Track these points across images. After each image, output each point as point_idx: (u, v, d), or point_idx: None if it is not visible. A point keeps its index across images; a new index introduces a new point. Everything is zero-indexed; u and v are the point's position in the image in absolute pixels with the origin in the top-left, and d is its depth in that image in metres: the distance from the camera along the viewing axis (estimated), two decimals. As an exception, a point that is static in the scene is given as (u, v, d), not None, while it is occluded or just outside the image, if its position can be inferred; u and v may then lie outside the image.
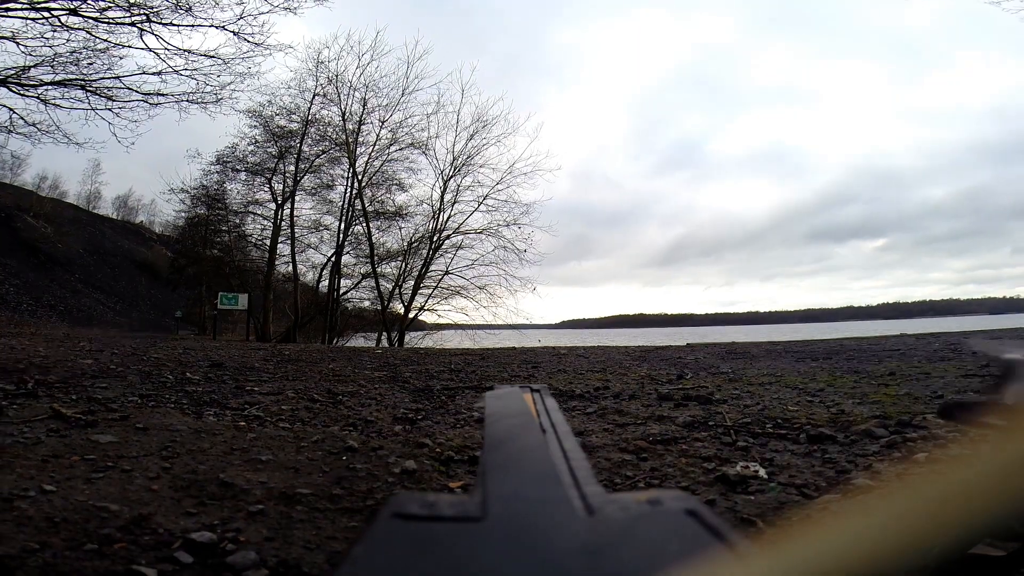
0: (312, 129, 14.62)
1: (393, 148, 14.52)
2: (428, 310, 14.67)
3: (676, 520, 0.25)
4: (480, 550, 0.24)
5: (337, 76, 13.98)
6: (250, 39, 7.52)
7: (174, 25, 6.88)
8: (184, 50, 7.17)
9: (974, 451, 0.20)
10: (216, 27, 7.11)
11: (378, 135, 14.47)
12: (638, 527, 0.25)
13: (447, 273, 14.12)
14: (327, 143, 14.89)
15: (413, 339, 14.60)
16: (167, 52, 7.04)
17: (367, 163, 14.72)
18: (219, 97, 7.85)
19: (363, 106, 14.26)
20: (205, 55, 7.36)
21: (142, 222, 41.25)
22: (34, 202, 29.16)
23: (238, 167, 15.53)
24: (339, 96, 14.23)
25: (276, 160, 15.04)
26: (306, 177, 15.30)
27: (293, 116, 14.56)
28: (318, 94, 14.23)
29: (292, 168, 15.03)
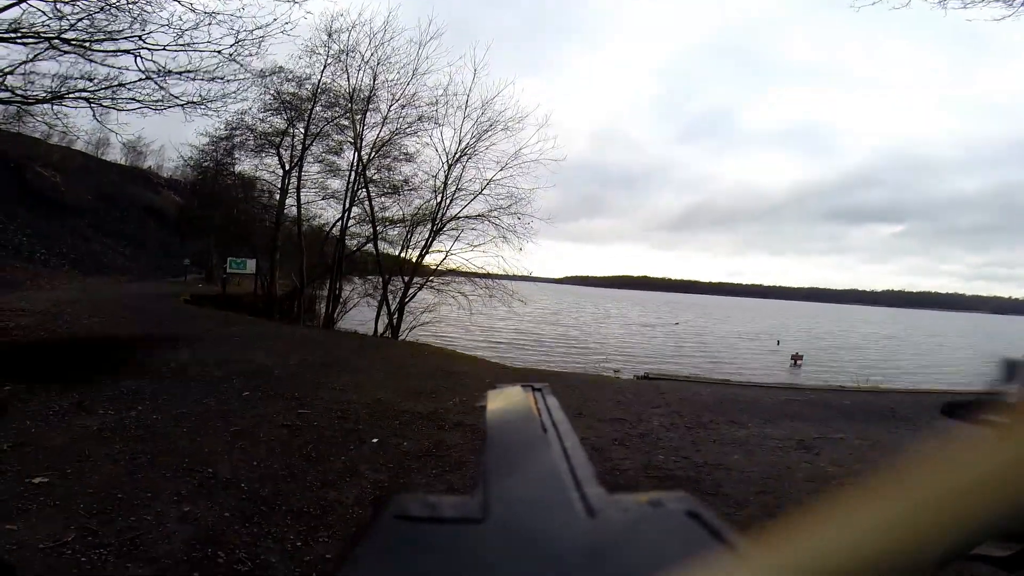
0: (323, 97, 14.58)
1: (401, 121, 14.47)
2: (432, 276, 14.97)
3: (677, 521, 0.25)
4: (481, 551, 0.24)
5: (347, 53, 13.84)
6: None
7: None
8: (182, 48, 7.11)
9: (976, 450, 0.20)
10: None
11: (389, 108, 14.41)
12: (639, 528, 0.25)
13: (448, 254, 14.31)
14: (337, 109, 14.87)
15: (415, 303, 14.90)
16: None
17: (377, 134, 14.73)
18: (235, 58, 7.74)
19: (373, 80, 14.16)
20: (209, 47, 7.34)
21: (150, 167, 41.18)
22: (43, 151, 29.14)
23: (247, 136, 15.61)
24: (347, 71, 14.13)
25: (286, 126, 15.09)
26: (314, 144, 15.37)
27: (304, 84, 14.51)
28: (329, 64, 14.11)
29: (300, 133, 15.08)
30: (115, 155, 39.59)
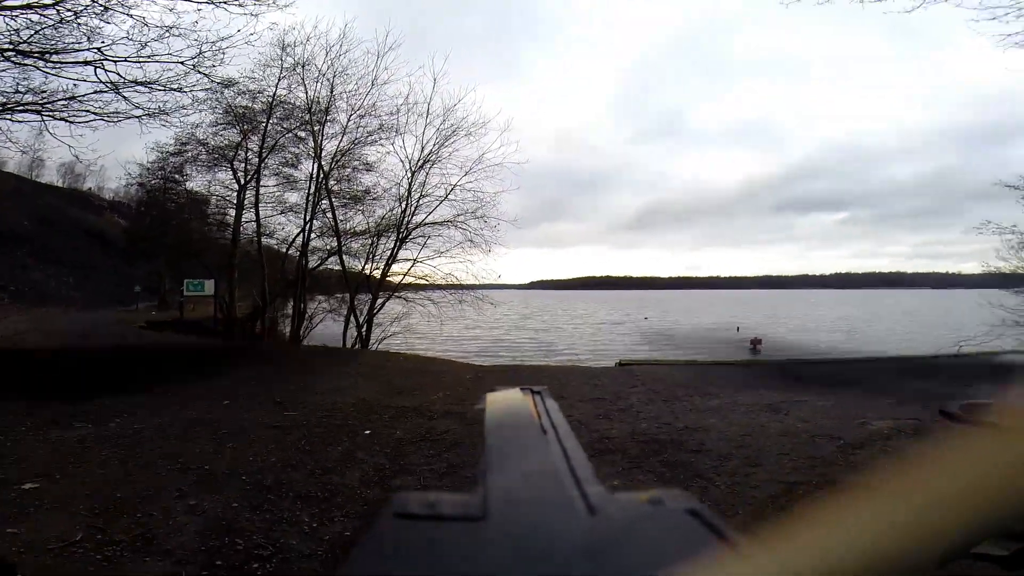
0: (278, 110, 14.37)
1: (361, 131, 14.41)
2: (400, 286, 14.87)
3: (678, 519, 0.25)
4: (481, 549, 0.24)
5: (303, 66, 13.72)
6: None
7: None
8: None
9: (976, 450, 0.20)
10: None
11: (348, 119, 14.33)
12: (640, 526, 0.25)
13: (415, 262, 14.27)
14: (292, 121, 14.68)
15: (383, 315, 14.76)
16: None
17: (337, 145, 14.61)
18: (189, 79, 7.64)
19: (331, 91, 14.05)
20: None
21: (91, 189, 39.24)
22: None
23: (198, 151, 15.19)
24: (304, 83, 14.00)
25: (240, 139, 14.77)
26: (271, 156, 15.10)
27: (257, 97, 14.26)
28: (283, 76, 13.94)
29: (256, 147, 14.80)
30: (51, 176, 37.54)
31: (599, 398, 5.79)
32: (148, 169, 17.45)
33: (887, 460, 3.57)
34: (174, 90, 7.56)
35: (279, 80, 14.03)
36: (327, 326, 16.18)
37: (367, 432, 4.14)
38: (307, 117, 14.20)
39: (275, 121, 14.75)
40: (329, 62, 13.79)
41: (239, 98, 14.15)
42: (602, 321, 37.39)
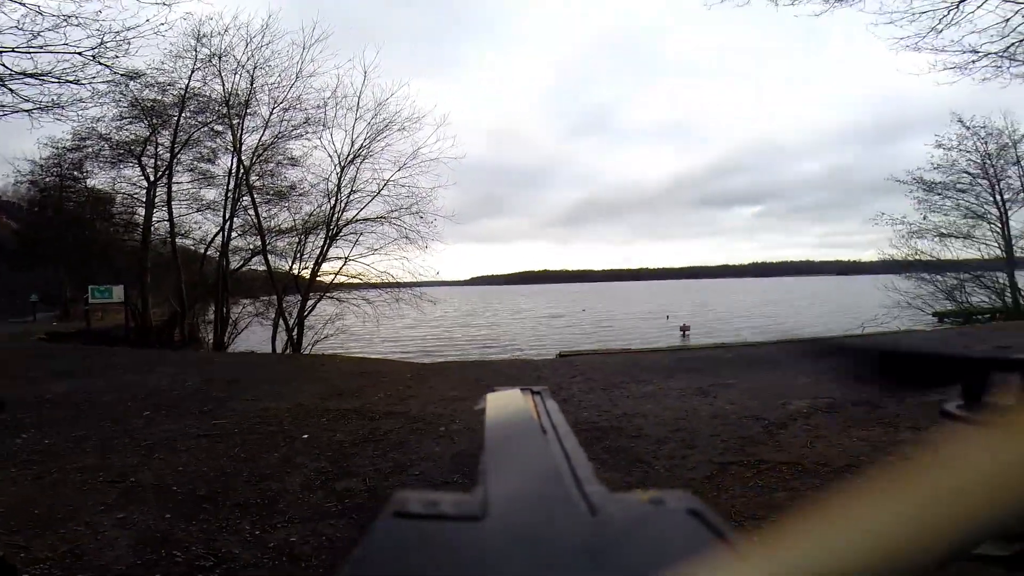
0: (192, 103, 13.47)
1: (285, 124, 13.77)
2: (332, 286, 14.37)
3: (679, 520, 0.25)
4: (481, 549, 0.24)
5: (220, 57, 12.91)
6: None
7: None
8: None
9: (976, 450, 0.20)
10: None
11: (271, 112, 13.65)
12: (641, 526, 0.25)
13: (347, 260, 13.81)
14: (208, 115, 13.81)
15: (315, 317, 14.20)
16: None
17: (259, 139, 13.88)
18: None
19: (251, 83, 13.32)
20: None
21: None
22: None
23: (100, 146, 13.97)
24: (221, 75, 13.19)
25: (149, 133, 13.73)
26: (184, 151, 14.15)
27: (168, 90, 13.30)
28: (198, 68, 13.07)
29: (168, 142, 13.81)
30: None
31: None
32: (41, 166, 15.91)
33: (808, 437, 3.85)
34: (70, 82, 6.91)
35: (193, 72, 13.21)
36: (254, 331, 15.35)
37: (305, 436, 3.99)
38: (224, 110, 13.42)
39: (188, 115, 13.85)
40: (250, 53, 13.08)
41: (147, 91, 13.17)
42: (542, 315, 37.92)
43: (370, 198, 13.54)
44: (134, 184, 15.16)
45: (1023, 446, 0.21)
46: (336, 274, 14.02)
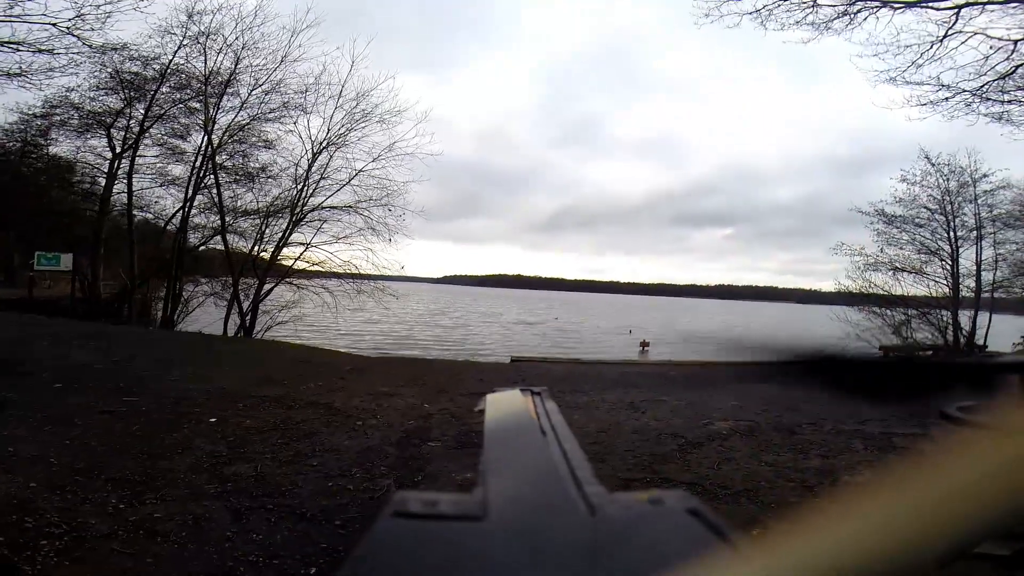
0: (173, 78, 13.16)
1: (264, 107, 13.53)
2: (291, 272, 14.11)
3: (678, 519, 0.25)
4: (482, 548, 0.24)
5: (207, 35, 12.66)
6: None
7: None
8: None
9: (976, 451, 0.20)
10: None
11: (250, 93, 13.39)
12: (640, 526, 0.25)
13: (309, 246, 13.59)
14: (188, 91, 13.48)
15: (272, 302, 13.91)
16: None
17: (233, 119, 13.59)
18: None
19: (235, 63, 13.08)
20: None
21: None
22: None
23: (70, 115, 13.51)
24: (205, 52, 12.92)
25: (123, 105, 13.33)
26: (157, 126, 13.78)
27: (151, 64, 12.97)
28: (184, 45, 12.78)
29: (140, 114, 13.43)
30: None
31: (478, 392, 5.90)
32: (6, 131, 15.31)
33: (718, 459, 3.89)
34: (44, 51, 6.70)
35: (179, 48, 12.87)
36: (208, 311, 14.93)
37: (212, 420, 3.91)
38: (203, 88, 13.11)
39: (168, 90, 13.50)
40: (239, 32, 12.85)
41: (128, 63, 12.80)
42: (515, 320, 37.95)
43: (339, 187, 13.37)
44: (98, 155, 14.68)
45: (1022, 447, 0.21)
46: (296, 259, 13.77)
